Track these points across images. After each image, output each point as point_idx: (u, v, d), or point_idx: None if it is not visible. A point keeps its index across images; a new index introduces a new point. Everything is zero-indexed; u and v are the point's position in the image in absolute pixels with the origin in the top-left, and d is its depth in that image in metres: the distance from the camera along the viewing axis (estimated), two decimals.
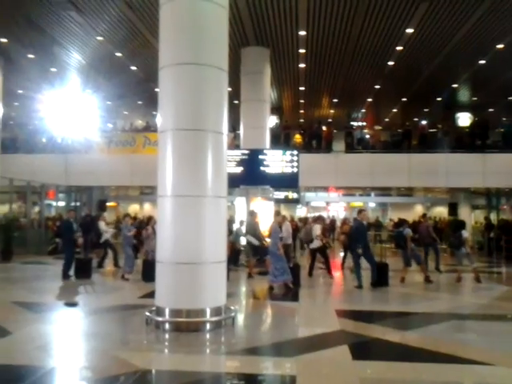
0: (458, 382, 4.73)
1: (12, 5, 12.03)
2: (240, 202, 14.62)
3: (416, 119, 25.06)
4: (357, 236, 10.35)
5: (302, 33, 13.91)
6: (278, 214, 11.15)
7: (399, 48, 15.20)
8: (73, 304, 8.61)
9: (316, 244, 11.46)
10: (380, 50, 15.52)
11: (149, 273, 9.67)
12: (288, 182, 14.07)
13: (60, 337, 6.21)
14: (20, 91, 19.66)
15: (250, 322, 7.48)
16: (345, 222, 15.03)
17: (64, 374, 4.78)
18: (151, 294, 7.26)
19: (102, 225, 12.75)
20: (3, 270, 12.81)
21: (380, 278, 10.03)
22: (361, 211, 11.07)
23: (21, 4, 12.04)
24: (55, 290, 9.70)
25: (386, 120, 26.62)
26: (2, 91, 15.85)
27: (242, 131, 15.75)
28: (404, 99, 22.06)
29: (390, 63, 16.76)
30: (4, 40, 14.38)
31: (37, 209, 19.45)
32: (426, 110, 24.04)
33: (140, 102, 23.00)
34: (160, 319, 6.36)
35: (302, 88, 20.09)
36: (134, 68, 17.45)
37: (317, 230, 11.48)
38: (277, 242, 9.73)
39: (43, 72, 16.99)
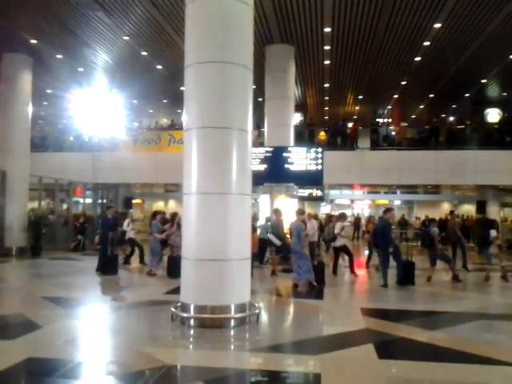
0: (487, 383, 4.64)
1: (41, 6, 12.29)
2: (264, 199, 14.63)
3: (443, 115, 24.63)
4: (382, 235, 10.23)
5: (327, 29, 13.80)
6: (301, 212, 11.05)
7: (426, 43, 14.93)
8: (99, 299, 8.76)
9: (339, 242, 11.38)
10: (407, 46, 15.27)
11: (174, 269, 9.80)
12: (312, 179, 13.99)
13: (87, 331, 6.34)
14: (49, 91, 20.08)
15: (275, 319, 7.48)
16: (370, 220, 14.89)
17: (91, 368, 4.88)
18: (176, 290, 7.34)
19: (125, 223, 12.89)
20: (32, 266, 13.12)
21: (406, 276, 9.90)
22: (388, 210, 10.92)
23: (50, 6, 12.29)
24: (82, 286, 9.87)
25: (413, 116, 26.22)
26: (32, 91, 16.21)
27: (266, 129, 15.75)
28: (431, 95, 21.68)
29: (417, 59, 16.48)
30: (34, 41, 14.71)
31: (65, 206, 19.87)
32: (453, 106, 23.58)
33: (165, 101, 23.21)
34: (185, 315, 6.42)
35: (326, 85, 19.95)
36: (159, 67, 17.62)
37: (338, 227, 11.41)
38: (300, 240, 9.67)
39: (71, 72, 17.31)
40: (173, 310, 6.59)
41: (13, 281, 11.08)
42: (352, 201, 29.08)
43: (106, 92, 16.69)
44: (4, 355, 5.07)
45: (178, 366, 4.99)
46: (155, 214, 12.35)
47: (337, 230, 11.35)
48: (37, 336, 5.87)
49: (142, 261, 12.92)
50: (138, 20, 13.32)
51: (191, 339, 6.12)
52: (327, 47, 15.35)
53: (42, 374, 4.56)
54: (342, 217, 12.18)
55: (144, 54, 16.18)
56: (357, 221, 23.92)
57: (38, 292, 8.84)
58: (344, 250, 11.47)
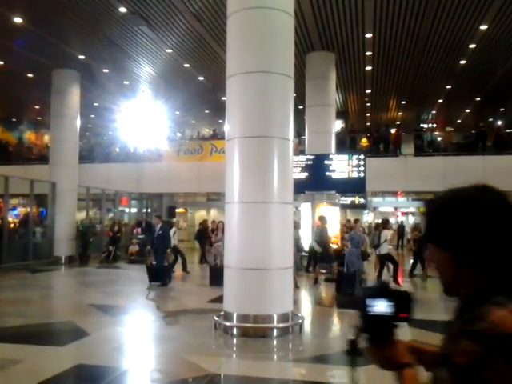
0: None
1: (88, 23, 12.79)
2: (305, 207, 14.55)
3: (491, 119, 23.81)
4: None
5: (369, 35, 13.65)
6: (356, 221, 11.09)
7: (472, 46, 14.50)
8: (145, 307, 8.92)
9: (384, 250, 11.14)
10: (451, 49, 14.89)
11: (216, 277, 9.87)
12: (354, 187, 13.81)
13: (133, 339, 6.47)
14: (96, 103, 20.78)
15: (318, 329, 7.40)
16: (416, 227, 14.49)
17: (137, 376, 4.97)
18: (219, 299, 7.39)
19: (171, 232, 13.08)
20: (81, 274, 13.55)
21: None
22: None
23: (97, 22, 12.77)
24: (128, 294, 10.10)
25: (458, 121, 25.49)
26: (80, 104, 16.82)
27: (307, 136, 15.69)
28: (478, 99, 21.02)
29: (462, 62, 16.02)
30: (82, 56, 15.30)
31: (111, 215, 20.44)
32: (501, 109, 22.77)
33: (207, 111, 23.55)
34: (228, 324, 6.45)
35: (368, 91, 19.71)
36: (201, 78, 17.91)
37: (387, 235, 11.20)
38: (357, 250, 9.96)
39: (117, 85, 17.87)
40: (216, 318, 6.63)
41: (62, 289, 11.46)
42: (396, 208, 28.48)
43: (149, 104, 17.12)
44: (55, 361, 5.25)
45: (222, 375, 5.01)
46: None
47: (383, 238, 11.10)
48: (85, 343, 6.04)
49: (184, 269, 13.09)
50: (181, 33, 13.63)
51: (234, 348, 6.14)
52: (369, 53, 15.17)
53: (90, 381, 4.69)
54: (386, 223, 11.94)
55: (186, 65, 16.50)
56: (400, 229, 23.40)
57: (85, 300, 9.10)
58: (388, 258, 11.23)
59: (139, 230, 15.86)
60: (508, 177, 16.36)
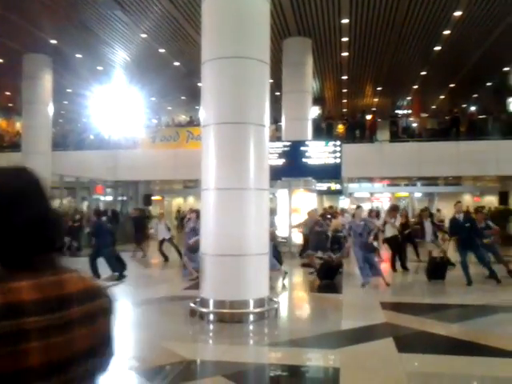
0: (509, 377, 4.57)
1: (60, 6, 12.46)
2: (282, 194, 14.61)
3: (464, 105, 24.19)
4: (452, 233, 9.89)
5: (345, 21, 13.67)
6: (358, 207, 10.43)
7: (446, 32, 14.65)
8: (119, 295, 8.86)
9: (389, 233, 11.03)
10: (426, 35, 15.03)
11: None
12: (331, 173, 13.91)
13: None
14: (69, 90, 20.37)
15: (293, 313, 7.49)
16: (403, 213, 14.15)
17: (113, 363, 4.94)
18: (195, 286, 7.40)
19: (161, 225, 13.03)
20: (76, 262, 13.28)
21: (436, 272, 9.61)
22: (456, 204, 10.04)
23: (69, 6, 12.46)
24: (105, 282, 9.99)
25: (433, 107, 25.83)
26: (52, 90, 16.46)
27: (283, 123, 15.70)
28: (452, 85, 21.32)
29: (437, 48, 16.21)
30: (54, 41, 14.92)
31: (86, 204, 20.13)
32: (475, 95, 23.15)
33: (183, 98, 23.33)
34: (204, 310, 6.47)
35: (344, 77, 19.79)
36: (177, 64, 17.70)
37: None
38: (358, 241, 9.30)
39: (90, 70, 17.53)
40: (192, 305, 6.64)
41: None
42: (371, 194, 28.80)
43: (124, 90, 16.86)
44: None
45: (198, 361, 5.04)
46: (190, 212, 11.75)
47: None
48: None
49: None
50: (156, 17, 13.40)
51: (210, 334, 6.18)
52: (345, 39, 15.21)
53: None
54: (394, 210, 11.66)
55: (162, 51, 16.27)
56: (376, 214, 23.66)
57: None
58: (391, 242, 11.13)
59: (104, 218, 15.05)
60: (480, 162, 16.75)
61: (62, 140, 21.53)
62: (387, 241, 11.28)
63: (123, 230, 15.82)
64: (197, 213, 10.13)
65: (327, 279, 9.44)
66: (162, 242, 12.91)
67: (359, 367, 4.70)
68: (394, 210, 11.64)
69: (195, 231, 9.70)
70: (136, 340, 5.84)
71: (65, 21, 13.42)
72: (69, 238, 14.86)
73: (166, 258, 12.86)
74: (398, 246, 11.02)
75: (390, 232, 11.08)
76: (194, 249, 9.64)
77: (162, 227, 12.92)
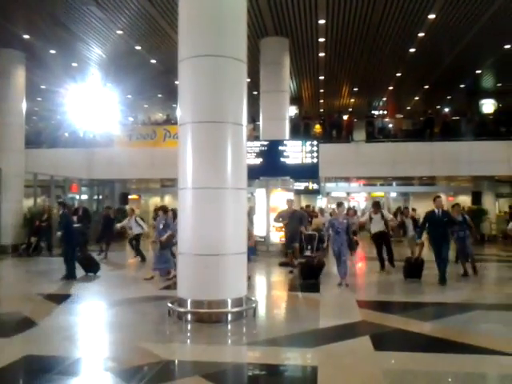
0: (483, 373, 4.67)
1: (34, 1, 12.19)
2: (260, 193, 14.63)
3: (438, 107, 24.63)
4: (424, 227, 9.79)
5: (322, 21, 13.76)
6: (340, 205, 9.91)
7: (421, 34, 14.89)
8: (95, 296, 8.74)
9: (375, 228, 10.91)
10: (401, 37, 15.25)
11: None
12: (308, 172, 14.01)
13: (85, 328, 6.34)
14: (43, 86, 19.97)
15: (272, 312, 7.51)
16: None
17: (89, 365, 4.88)
18: (171, 286, 7.34)
19: (133, 221, 12.71)
20: (29, 263, 12.99)
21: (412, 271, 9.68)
22: (435, 198, 9.75)
23: (42, 0, 12.19)
24: (77, 283, 9.84)
25: (408, 108, 26.23)
26: (25, 86, 16.10)
27: (261, 122, 15.73)
28: (426, 87, 21.69)
29: (412, 50, 16.46)
30: (27, 36, 14.59)
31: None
32: (448, 97, 23.59)
33: (160, 95, 23.12)
34: (182, 310, 6.43)
35: (321, 77, 19.92)
36: (153, 61, 17.53)
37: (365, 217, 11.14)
38: (340, 237, 9.17)
39: (65, 67, 17.21)
40: (169, 305, 6.59)
41: (8, 278, 11.04)
42: (348, 193, 29.08)
43: (100, 87, 16.60)
44: (1, 353, 5.07)
45: (176, 361, 5.00)
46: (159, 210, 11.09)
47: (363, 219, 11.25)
48: (34, 333, 5.87)
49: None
50: (132, 14, 13.23)
51: (188, 334, 6.14)
52: (322, 39, 15.31)
53: (40, 371, 4.57)
54: (377, 206, 11.41)
55: (138, 48, 16.09)
56: (353, 212, 23.88)
57: (33, 289, 8.81)
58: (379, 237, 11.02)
59: (75, 218, 13.67)
60: (454, 162, 17.08)
61: (35, 137, 21.08)
62: (375, 236, 11.07)
63: (95, 229, 15.42)
64: (163, 209, 10.18)
65: (310, 279, 9.38)
66: (136, 239, 12.67)
67: (336, 365, 4.74)
68: (377, 206, 11.44)
69: (167, 228, 9.76)
70: (112, 341, 5.76)
71: (38, 15, 13.12)
72: (36, 237, 14.35)
73: (142, 258, 12.69)
74: (387, 242, 10.96)
75: (376, 228, 10.93)
76: (164, 245, 9.67)
77: (132, 223, 12.63)
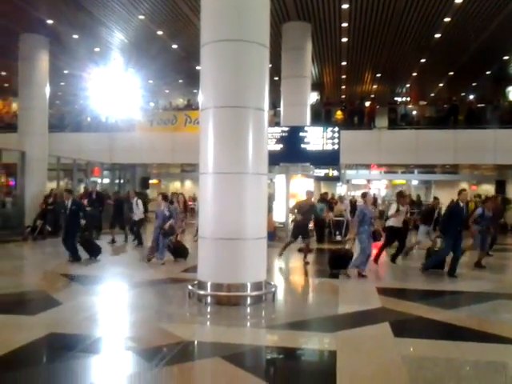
0: (504, 363, 4.63)
1: None
2: (280, 179, 14.60)
3: (463, 94, 24.13)
4: (450, 220, 8.97)
5: (345, 6, 13.53)
6: (364, 195, 9.39)
7: (447, 19, 14.55)
8: (116, 277, 8.89)
9: (389, 222, 10.15)
10: (426, 22, 14.91)
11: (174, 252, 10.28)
12: (329, 159, 13.90)
13: (106, 308, 6.48)
14: (66, 71, 20.16)
15: (291, 297, 7.54)
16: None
17: (111, 344, 4.99)
18: (192, 269, 7.43)
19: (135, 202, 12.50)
20: (52, 245, 13.16)
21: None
22: (461, 191, 9.22)
23: None
24: (101, 264, 10.01)
25: (432, 95, 25.75)
26: (49, 71, 16.29)
27: (282, 108, 15.64)
28: (451, 73, 21.24)
29: (437, 35, 16.11)
30: (50, 21, 14.72)
31: (82, 186, 20.06)
32: (474, 84, 23.07)
33: (181, 81, 23.14)
34: (202, 293, 6.51)
35: (343, 63, 19.67)
36: (175, 46, 17.52)
37: (392, 209, 10.18)
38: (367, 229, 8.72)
39: (87, 52, 17.33)
40: (190, 287, 6.68)
41: (34, 259, 11.29)
42: (369, 181, 28.86)
43: (122, 72, 16.71)
44: (27, 330, 5.21)
45: (196, 342, 5.08)
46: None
47: (391, 211, 10.18)
48: (58, 312, 6.01)
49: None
50: None
51: (208, 316, 6.22)
52: (345, 24, 15.07)
53: (62, 349, 4.68)
54: (404, 197, 10.61)
55: (160, 33, 16.09)
56: (374, 201, 23.72)
57: (57, 270, 9.01)
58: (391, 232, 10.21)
59: (85, 201, 13.53)
60: (478, 150, 16.77)
61: (58, 122, 21.37)
62: (392, 231, 10.18)
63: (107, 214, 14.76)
64: (164, 196, 10.09)
65: (338, 269, 8.93)
66: (139, 223, 12.60)
67: (355, 351, 4.75)
68: (403, 196, 10.58)
69: (170, 216, 9.79)
70: (133, 321, 5.87)
71: (61, 0, 13.22)
72: (41, 221, 14.28)
73: (139, 241, 12.58)
74: (404, 238, 10.30)
75: (398, 222, 10.10)
76: (167, 233, 9.74)
77: (134, 206, 12.41)
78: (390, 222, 10.23)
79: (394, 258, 10.22)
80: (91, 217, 12.41)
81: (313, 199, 11.37)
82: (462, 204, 9.09)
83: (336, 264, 9.09)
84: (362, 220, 8.68)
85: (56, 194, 15.09)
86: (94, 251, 10.48)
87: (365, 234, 8.67)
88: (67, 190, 11.37)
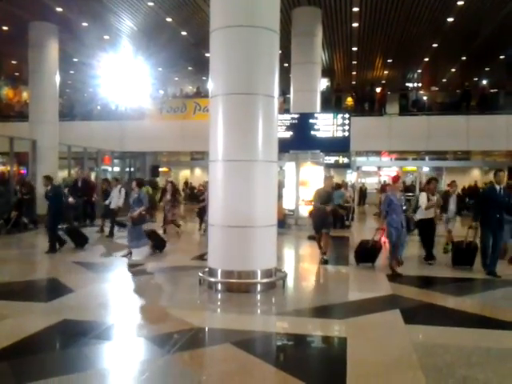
0: None
1: None
2: (290, 166, 14.57)
3: (476, 79, 23.78)
4: (485, 206, 7.83)
5: None
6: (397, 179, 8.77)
7: (460, 3, 14.27)
8: (129, 265, 8.95)
9: (420, 215, 8.98)
10: (439, 6, 14.64)
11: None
12: (339, 146, 13.83)
13: (118, 295, 6.54)
14: (75, 59, 20.17)
15: (301, 284, 7.56)
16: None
17: (123, 330, 5.05)
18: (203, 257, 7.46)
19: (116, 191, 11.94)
20: (31, 238, 12.89)
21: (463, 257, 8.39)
22: (497, 172, 7.91)
23: None
24: (111, 252, 10.08)
25: (444, 80, 25.41)
26: (59, 59, 16.30)
27: (292, 94, 15.53)
28: (463, 58, 20.90)
29: (450, 19, 15.81)
30: (59, 9, 14.70)
31: (93, 174, 20.16)
32: (487, 69, 22.71)
33: (190, 68, 23.06)
34: (212, 280, 6.54)
35: (354, 49, 19.43)
36: (184, 33, 17.43)
37: (422, 199, 8.84)
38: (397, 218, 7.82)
39: (97, 40, 17.30)
40: (200, 274, 6.72)
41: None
42: (379, 168, 28.68)
43: (131, 60, 16.68)
44: (40, 317, 5.29)
45: (207, 329, 5.12)
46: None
47: (421, 201, 8.87)
48: (70, 299, 6.08)
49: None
50: None
51: (219, 303, 6.26)
52: (356, 9, 14.86)
53: (76, 335, 4.74)
54: (431, 183, 9.27)
55: (169, 20, 16.01)
56: (384, 188, 23.60)
57: (69, 258, 9.10)
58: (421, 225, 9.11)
59: (66, 190, 12.69)
60: (490, 136, 16.57)
61: (68, 110, 21.46)
62: (423, 224, 9.00)
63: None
64: (138, 183, 9.25)
65: (366, 263, 8.46)
66: (115, 212, 11.93)
67: (366, 337, 4.76)
68: (432, 183, 9.22)
69: (139, 202, 8.90)
70: (145, 308, 5.93)
71: None
72: (16, 212, 12.52)
73: (111, 232, 11.94)
74: (433, 231, 8.98)
75: (429, 212, 8.87)
76: (137, 222, 8.90)
77: (115, 194, 11.81)
78: (420, 215, 9.01)
79: (429, 257, 8.86)
80: (72, 207, 12.19)
81: (332, 185, 10.40)
82: (498, 187, 7.79)
83: (364, 257, 8.51)
84: (389, 208, 7.84)
85: (30, 182, 14.03)
86: (80, 240, 10.17)
87: (393, 226, 7.77)
88: (46, 176, 10.56)
